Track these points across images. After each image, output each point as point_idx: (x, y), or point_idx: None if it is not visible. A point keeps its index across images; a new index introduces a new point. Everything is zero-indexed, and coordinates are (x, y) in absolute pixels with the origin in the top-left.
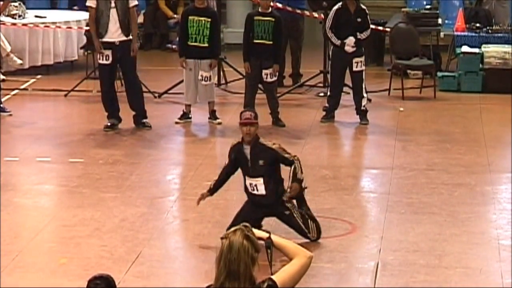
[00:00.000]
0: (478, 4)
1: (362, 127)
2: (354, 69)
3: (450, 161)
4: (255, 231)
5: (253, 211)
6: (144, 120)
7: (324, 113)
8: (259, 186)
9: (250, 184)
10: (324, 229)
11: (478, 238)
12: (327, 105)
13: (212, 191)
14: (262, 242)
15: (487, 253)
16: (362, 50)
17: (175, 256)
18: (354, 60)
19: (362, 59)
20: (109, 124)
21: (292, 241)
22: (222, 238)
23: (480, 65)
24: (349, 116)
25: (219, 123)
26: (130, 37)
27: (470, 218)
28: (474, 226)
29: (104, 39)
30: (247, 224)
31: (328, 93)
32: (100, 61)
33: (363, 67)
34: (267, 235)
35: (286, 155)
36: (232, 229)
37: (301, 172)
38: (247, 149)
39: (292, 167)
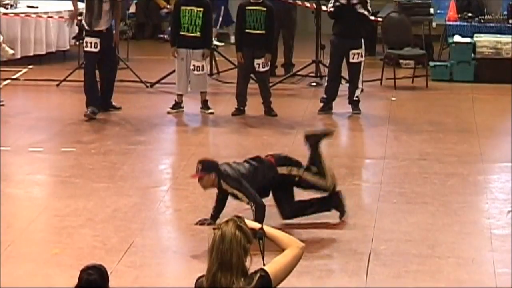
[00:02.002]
0: None
1: (354, 117)
2: (351, 60)
3: (443, 151)
4: (248, 221)
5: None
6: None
7: (321, 104)
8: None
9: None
10: (316, 218)
11: (470, 228)
12: (324, 96)
13: (215, 217)
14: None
15: (479, 243)
16: (361, 42)
17: (167, 246)
18: (351, 52)
19: (360, 51)
20: (89, 112)
21: (284, 232)
22: (214, 229)
23: (472, 55)
24: (341, 106)
25: (211, 113)
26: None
27: (463, 207)
28: (466, 215)
29: (94, 28)
30: (239, 215)
31: (326, 84)
32: (88, 49)
33: (361, 59)
34: (259, 225)
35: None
36: (225, 219)
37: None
38: None
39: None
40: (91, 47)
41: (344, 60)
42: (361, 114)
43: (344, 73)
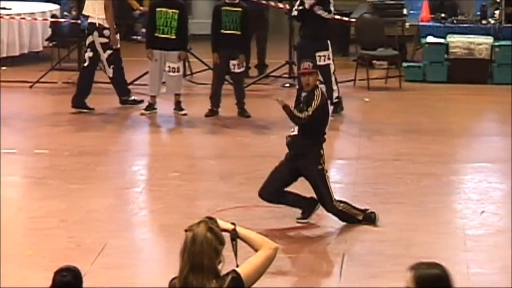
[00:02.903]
0: None
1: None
2: (318, 63)
3: (416, 151)
4: (220, 222)
5: (287, 162)
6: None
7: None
8: (296, 127)
9: (292, 126)
10: (291, 219)
11: (445, 228)
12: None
13: None
14: (227, 234)
15: (453, 243)
16: (326, 44)
17: (141, 247)
18: (317, 54)
19: (326, 53)
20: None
21: (257, 233)
22: (186, 231)
23: (445, 55)
24: None
25: (185, 114)
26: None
27: (437, 208)
28: (440, 216)
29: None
30: (212, 216)
31: (297, 86)
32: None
33: (328, 61)
34: (232, 227)
35: (313, 106)
36: (197, 221)
37: (298, 116)
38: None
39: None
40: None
41: None
42: (343, 113)
43: None
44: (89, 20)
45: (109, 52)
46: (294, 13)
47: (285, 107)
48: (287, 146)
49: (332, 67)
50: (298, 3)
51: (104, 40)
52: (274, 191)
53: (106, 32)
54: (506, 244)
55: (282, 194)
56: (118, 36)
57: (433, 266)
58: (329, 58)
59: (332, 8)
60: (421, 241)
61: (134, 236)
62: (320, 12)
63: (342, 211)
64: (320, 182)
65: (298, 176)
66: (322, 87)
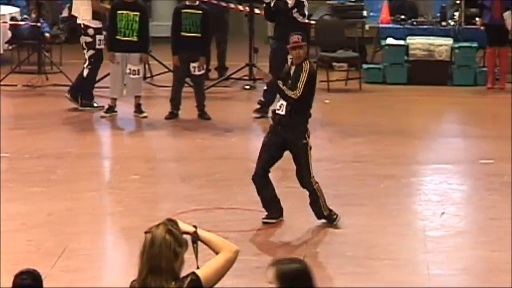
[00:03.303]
0: None
1: None
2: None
3: (377, 152)
4: (181, 225)
5: (273, 139)
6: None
7: (258, 106)
8: (283, 107)
9: (280, 103)
10: (252, 222)
11: (405, 230)
12: (262, 99)
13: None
14: (188, 236)
15: (414, 244)
16: None
17: (102, 250)
18: (289, 57)
19: None
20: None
21: (218, 235)
22: (145, 233)
23: (405, 57)
24: None
25: (145, 117)
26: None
27: (397, 209)
28: (400, 217)
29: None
30: (172, 218)
31: (265, 87)
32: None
33: None
34: (193, 229)
35: (300, 82)
36: (156, 223)
37: (284, 92)
38: (291, 70)
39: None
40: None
41: None
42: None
43: None
44: (77, 21)
45: (91, 52)
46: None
47: (278, 86)
48: (273, 121)
49: None
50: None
51: (89, 39)
52: (265, 173)
53: (90, 31)
54: (466, 245)
55: (268, 182)
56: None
57: (294, 261)
58: None
59: (306, 12)
60: (382, 242)
61: (94, 239)
62: (296, 15)
63: (315, 190)
64: (303, 156)
65: (284, 150)
66: None
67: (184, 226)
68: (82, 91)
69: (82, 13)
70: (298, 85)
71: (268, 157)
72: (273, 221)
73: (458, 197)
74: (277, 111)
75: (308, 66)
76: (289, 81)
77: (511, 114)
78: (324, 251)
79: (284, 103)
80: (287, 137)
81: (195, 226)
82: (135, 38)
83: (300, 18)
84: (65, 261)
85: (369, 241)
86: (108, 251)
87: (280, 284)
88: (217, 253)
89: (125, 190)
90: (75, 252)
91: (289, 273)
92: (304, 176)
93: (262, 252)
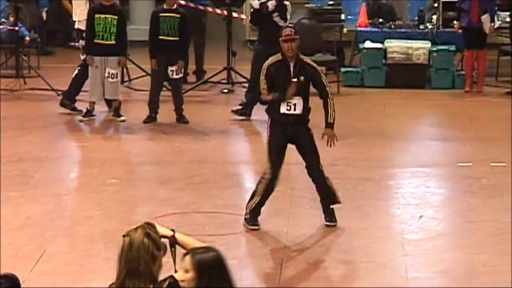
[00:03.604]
0: None
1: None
2: None
3: (355, 155)
4: (159, 228)
5: (281, 135)
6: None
7: (239, 107)
8: (298, 105)
9: (288, 103)
10: (230, 225)
11: (383, 233)
12: (244, 100)
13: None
14: (166, 240)
15: (392, 248)
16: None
17: (80, 254)
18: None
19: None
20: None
21: (196, 239)
22: (123, 236)
23: (383, 60)
24: (257, 113)
25: (123, 121)
26: None
27: (375, 212)
28: (378, 220)
29: None
30: (150, 221)
31: (247, 89)
32: None
33: None
34: (171, 233)
35: (325, 82)
36: (134, 227)
37: (333, 110)
38: (290, 67)
39: (328, 104)
40: None
41: None
42: None
43: None
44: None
45: (85, 56)
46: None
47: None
48: (284, 123)
49: None
50: (253, 9)
51: (84, 43)
52: (278, 173)
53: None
54: (445, 248)
55: (272, 191)
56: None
57: (209, 249)
58: None
59: (288, 16)
60: (360, 245)
61: (73, 243)
62: (277, 19)
63: (327, 178)
64: (315, 146)
65: (288, 142)
66: None
67: (162, 229)
68: (67, 91)
69: (79, 15)
70: (325, 84)
71: (281, 153)
72: (256, 227)
73: (436, 200)
74: (289, 112)
75: (314, 64)
76: (290, 77)
77: (488, 117)
78: (302, 254)
79: (297, 101)
80: (297, 131)
81: (173, 230)
82: (113, 42)
83: (281, 22)
84: (44, 264)
85: (347, 244)
86: (87, 255)
87: (197, 272)
88: None
89: (103, 194)
90: (53, 255)
91: (206, 261)
92: (319, 163)
93: (240, 256)
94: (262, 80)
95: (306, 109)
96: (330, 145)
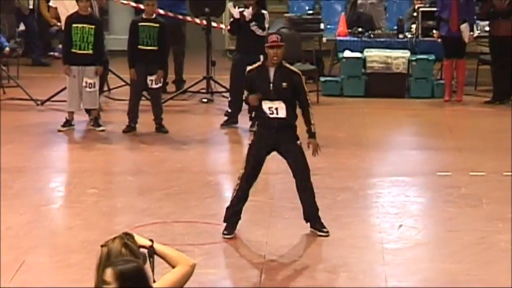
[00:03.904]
0: (353, 8)
1: (250, 133)
2: None
3: (334, 165)
4: (138, 238)
5: (264, 143)
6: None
7: (225, 118)
8: (280, 109)
9: (270, 108)
10: (209, 235)
11: (362, 242)
12: (229, 110)
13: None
14: (145, 250)
15: (371, 257)
16: (258, 59)
17: (60, 264)
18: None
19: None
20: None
21: (176, 249)
22: (102, 246)
23: (363, 70)
24: (241, 121)
25: (102, 130)
26: None
27: (354, 222)
28: (358, 230)
29: None
30: (128, 231)
31: (229, 99)
32: None
33: None
34: (150, 243)
35: (308, 97)
36: (112, 236)
37: (313, 120)
38: (269, 72)
39: (309, 113)
40: None
41: None
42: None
43: None
44: None
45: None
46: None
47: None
48: (268, 128)
49: None
50: (229, 16)
51: None
52: (252, 181)
53: None
54: (424, 257)
55: (247, 195)
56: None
57: (130, 261)
58: None
59: (266, 25)
60: (339, 255)
61: (52, 253)
62: (254, 28)
63: (313, 190)
64: (302, 156)
65: (271, 152)
66: None
67: (140, 239)
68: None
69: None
70: (307, 93)
71: (259, 162)
72: (229, 236)
73: (415, 209)
74: (272, 116)
75: (296, 71)
76: (270, 83)
77: (468, 126)
78: (281, 264)
79: (278, 105)
80: (282, 139)
81: (151, 240)
82: (90, 51)
83: (259, 32)
84: (23, 275)
85: (326, 253)
86: (66, 265)
87: (118, 284)
88: (173, 267)
89: (83, 204)
90: (33, 266)
91: (127, 272)
92: (308, 174)
93: (219, 265)
94: (245, 91)
95: (291, 114)
96: (315, 155)
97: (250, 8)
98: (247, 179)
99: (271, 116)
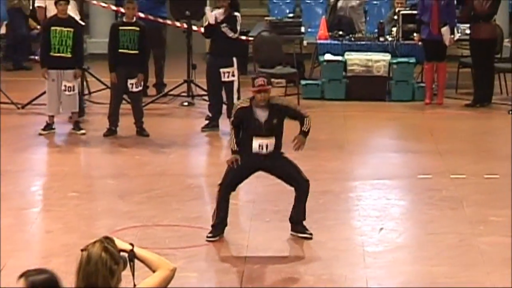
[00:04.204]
0: (333, 11)
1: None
2: (223, 79)
3: (315, 168)
4: (118, 242)
5: (250, 163)
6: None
7: (206, 122)
8: (270, 145)
9: (260, 144)
10: (191, 238)
11: (343, 245)
12: (209, 114)
13: (238, 149)
14: (125, 254)
15: (352, 260)
16: (232, 61)
17: (40, 267)
18: (221, 70)
19: (231, 69)
20: None
21: (157, 252)
22: (82, 250)
23: (343, 73)
24: (223, 123)
25: (83, 134)
26: None
27: (335, 225)
28: (339, 233)
29: None
30: (108, 236)
31: (209, 102)
32: None
33: (233, 78)
34: (130, 247)
35: (300, 111)
36: (92, 240)
37: (309, 125)
38: (258, 111)
39: (305, 119)
40: None
41: None
42: None
43: None
44: None
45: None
46: (202, 29)
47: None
48: (256, 161)
49: (236, 84)
50: (205, 19)
51: None
52: (230, 190)
53: None
54: (405, 260)
55: (227, 201)
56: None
57: (42, 271)
58: (233, 75)
59: (238, 27)
60: (320, 258)
61: (33, 257)
62: (225, 30)
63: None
64: (291, 163)
65: (256, 171)
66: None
67: (121, 243)
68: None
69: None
70: (301, 111)
71: (237, 176)
72: (212, 239)
73: (396, 212)
74: (262, 152)
75: (286, 104)
76: (262, 122)
77: (449, 129)
78: (262, 266)
79: (268, 142)
80: (269, 163)
81: (132, 244)
82: (69, 55)
83: (231, 34)
84: (4, 278)
85: (307, 256)
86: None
87: None
88: (154, 271)
89: (64, 207)
90: (13, 269)
91: (39, 283)
92: (300, 174)
93: (201, 269)
94: (231, 129)
95: (279, 146)
96: (297, 149)
97: (222, 9)
98: (225, 191)
99: (260, 152)
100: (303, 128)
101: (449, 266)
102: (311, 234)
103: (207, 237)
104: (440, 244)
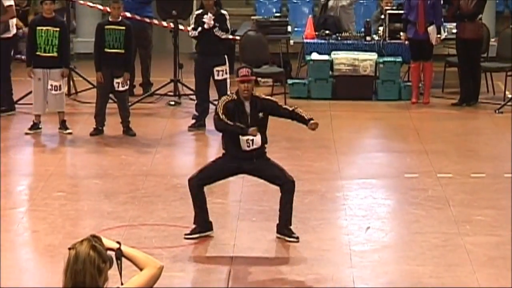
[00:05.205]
0: (324, 11)
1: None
2: (216, 78)
3: (301, 168)
4: (105, 241)
5: (233, 167)
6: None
7: (193, 121)
8: (257, 139)
9: (247, 140)
10: (176, 238)
11: (329, 245)
12: (196, 113)
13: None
14: (112, 252)
15: (339, 259)
16: (224, 59)
17: (25, 268)
18: (215, 69)
19: (224, 67)
20: None
21: (142, 251)
22: (69, 249)
23: (330, 72)
24: (210, 123)
25: (70, 133)
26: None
27: (321, 224)
28: (325, 232)
29: None
30: (96, 234)
31: (196, 101)
32: None
33: (226, 76)
34: (117, 245)
35: (286, 106)
36: (80, 239)
37: (304, 112)
38: (244, 105)
39: (298, 111)
40: None
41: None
42: None
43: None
44: None
45: None
46: (194, 33)
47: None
48: (243, 159)
49: (228, 82)
50: (193, 22)
51: None
52: (203, 184)
53: None
54: (391, 259)
55: (202, 193)
56: None
57: None
58: (226, 73)
59: (228, 26)
60: (307, 257)
61: (18, 257)
62: (219, 33)
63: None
64: (274, 164)
65: (237, 174)
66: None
67: (108, 242)
68: None
69: None
70: (286, 106)
71: (214, 176)
72: (192, 236)
73: (383, 211)
74: (249, 148)
75: (268, 98)
76: (248, 117)
77: (435, 129)
78: (248, 266)
79: (253, 137)
80: (254, 165)
81: (119, 243)
82: (55, 54)
83: (223, 35)
84: None
85: (294, 256)
86: (32, 269)
87: None
88: (141, 269)
89: (49, 208)
90: None
91: None
92: (284, 173)
93: (187, 268)
94: (221, 115)
95: (264, 140)
96: (314, 128)
97: (209, 14)
98: (198, 184)
99: (247, 149)
100: (306, 117)
101: (435, 266)
102: (297, 237)
103: (185, 234)
104: (425, 243)
